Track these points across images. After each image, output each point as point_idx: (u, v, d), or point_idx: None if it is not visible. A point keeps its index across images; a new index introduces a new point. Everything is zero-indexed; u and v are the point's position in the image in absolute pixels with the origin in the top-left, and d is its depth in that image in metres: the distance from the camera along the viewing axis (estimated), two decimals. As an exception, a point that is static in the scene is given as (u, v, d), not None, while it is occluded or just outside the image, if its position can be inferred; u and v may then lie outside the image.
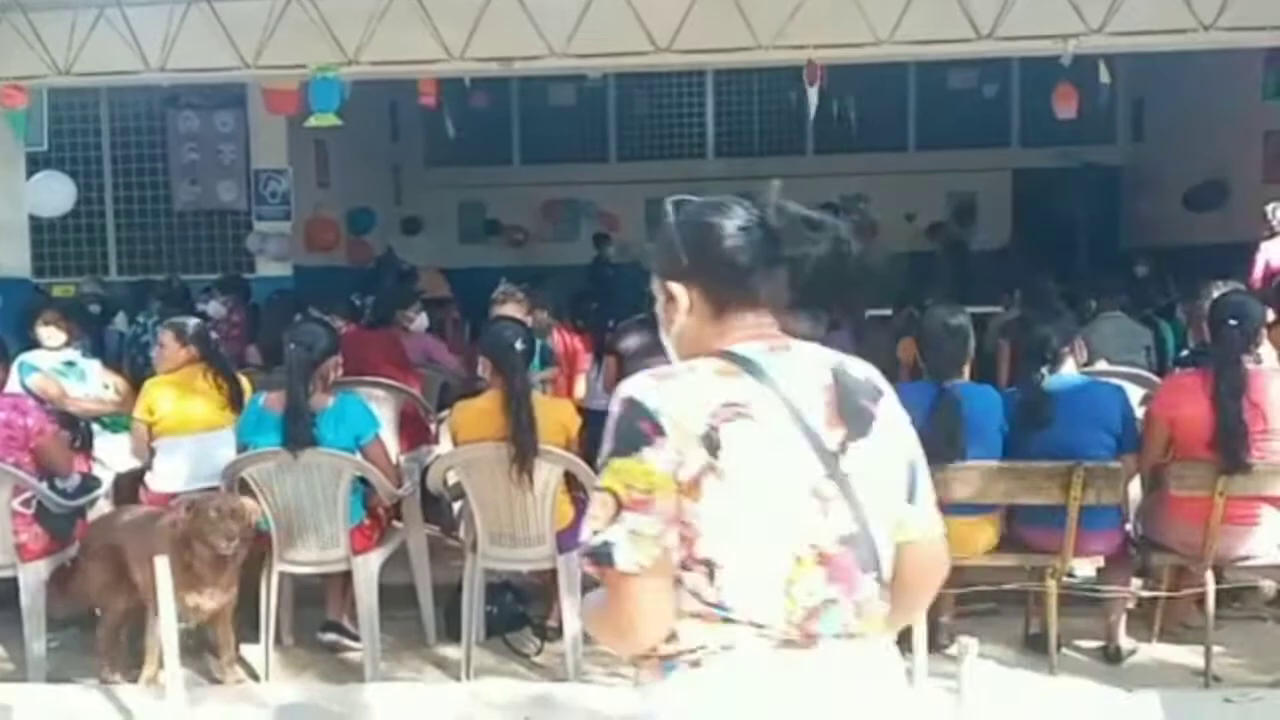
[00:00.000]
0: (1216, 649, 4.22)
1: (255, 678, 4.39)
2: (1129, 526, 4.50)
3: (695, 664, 1.71)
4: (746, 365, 1.72)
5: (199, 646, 4.43)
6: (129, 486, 4.95)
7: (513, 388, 4.20)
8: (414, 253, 11.65)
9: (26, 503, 4.36)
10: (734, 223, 1.76)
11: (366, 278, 10.10)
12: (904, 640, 4.09)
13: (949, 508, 4.29)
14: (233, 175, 10.15)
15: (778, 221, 1.75)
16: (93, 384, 5.76)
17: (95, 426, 5.46)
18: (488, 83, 9.07)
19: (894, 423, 1.80)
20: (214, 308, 7.88)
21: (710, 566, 1.68)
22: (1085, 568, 4.48)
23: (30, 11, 6.01)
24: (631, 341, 5.79)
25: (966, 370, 4.39)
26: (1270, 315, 4.59)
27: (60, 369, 5.64)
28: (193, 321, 5.10)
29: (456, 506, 4.63)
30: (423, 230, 12.65)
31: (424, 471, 4.61)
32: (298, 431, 4.23)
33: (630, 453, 1.68)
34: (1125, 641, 4.41)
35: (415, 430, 5.68)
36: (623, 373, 5.13)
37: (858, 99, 11.05)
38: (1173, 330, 7.03)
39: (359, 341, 6.17)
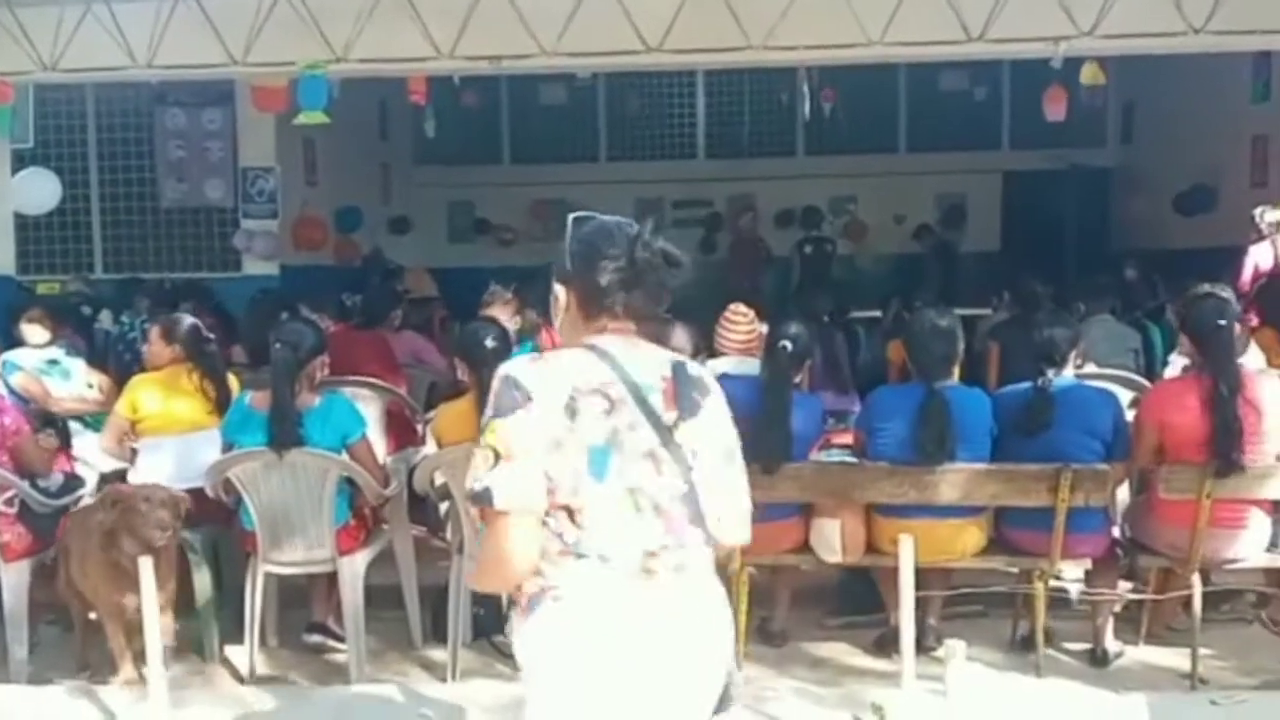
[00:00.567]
0: (1203, 651, 4.22)
1: (240, 679, 4.36)
2: (1116, 529, 4.50)
3: (556, 599, 2.13)
4: (604, 356, 2.18)
5: (183, 646, 4.40)
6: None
7: (485, 387, 4.18)
8: (402, 252, 11.61)
9: (9, 502, 4.33)
10: (610, 251, 2.19)
11: (354, 277, 10.06)
12: (891, 642, 4.11)
13: (937, 510, 4.34)
14: (220, 173, 10.09)
15: (642, 255, 2.18)
16: (76, 383, 5.73)
17: (78, 425, 5.43)
18: (477, 81, 9.05)
19: (717, 415, 2.26)
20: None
21: (569, 512, 2.11)
22: (1074, 570, 4.48)
23: (16, 7, 5.97)
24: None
25: (955, 372, 4.39)
26: (1254, 319, 4.61)
27: (43, 367, 5.60)
28: (185, 320, 5.04)
29: (443, 507, 4.60)
30: (411, 229, 12.61)
31: (410, 472, 4.59)
32: (283, 431, 4.20)
33: (506, 416, 2.11)
34: (1112, 644, 4.41)
35: (402, 431, 5.65)
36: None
37: (849, 101, 11.05)
38: (1161, 333, 7.03)
39: (346, 341, 6.15)
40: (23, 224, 9.91)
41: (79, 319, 7.63)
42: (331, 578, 4.42)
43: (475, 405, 4.17)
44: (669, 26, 5.79)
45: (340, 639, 4.47)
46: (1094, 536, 4.29)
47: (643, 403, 2.16)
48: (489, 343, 4.30)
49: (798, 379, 4.49)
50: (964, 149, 12.91)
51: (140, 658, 4.12)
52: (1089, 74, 6.58)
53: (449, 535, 4.50)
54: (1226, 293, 4.65)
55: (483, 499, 2.08)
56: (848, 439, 4.67)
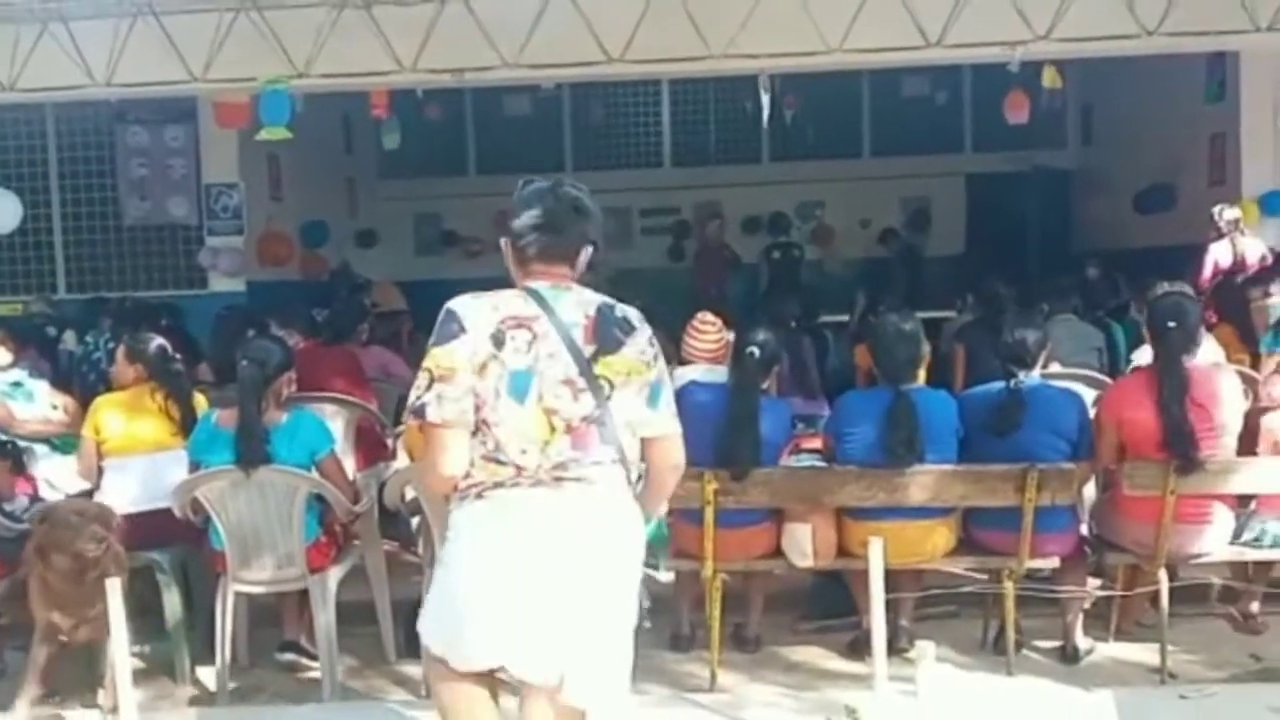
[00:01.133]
0: (1171, 646, 4.27)
1: (211, 699, 4.33)
2: (1084, 527, 4.54)
3: (479, 496, 2.56)
4: (534, 295, 2.59)
5: (154, 668, 4.36)
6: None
7: None
8: (370, 266, 11.55)
9: (-27, 527, 4.28)
10: (532, 204, 2.61)
11: (321, 292, 10.00)
12: (864, 645, 4.13)
13: (907, 511, 4.37)
14: (183, 190, 10.00)
15: (551, 205, 2.60)
16: (40, 404, 5.65)
17: (45, 448, 5.37)
18: (441, 94, 9.02)
19: (639, 350, 2.60)
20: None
21: (491, 425, 2.52)
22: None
23: (-29, 28, 5.91)
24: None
25: (921, 374, 4.42)
26: (1213, 316, 4.67)
27: (7, 390, 5.52)
28: (151, 340, 4.98)
29: (415, 522, 4.59)
30: (378, 243, 12.55)
31: (381, 487, 4.57)
32: (251, 449, 4.18)
33: (443, 344, 2.54)
34: (1082, 641, 4.46)
35: (372, 446, 5.63)
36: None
37: (813, 107, 11.11)
38: (1124, 332, 7.11)
39: (314, 357, 6.11)
40: (-17, 245, 9.79)
41: (43, 340, 7.53)
42: (303, 595, 4.39)
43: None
44: (630, 37, 5.81)
45: (313, 657, 4.44)
46: (1062, 535, 4.34)
47: (565, 337, 2.54)
48: None
49: (766, 385, 4.52)
50: (927, 153, 13.01)
51: (100, 682, 4.09)
52: (1049, 77, 6.67)
53: (421, 550, 4.48)
54: (1188, 293, 4.72)
55: (420, 414, 2.52)
56: (817, 444, 4.70)
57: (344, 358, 6.29)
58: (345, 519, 4.45)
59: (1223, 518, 4.31)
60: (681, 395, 4.62)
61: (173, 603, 4.45)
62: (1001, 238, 12.09)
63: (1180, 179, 9.88)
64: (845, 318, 8.45)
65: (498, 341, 2.52)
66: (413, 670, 4.44)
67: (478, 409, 2.51)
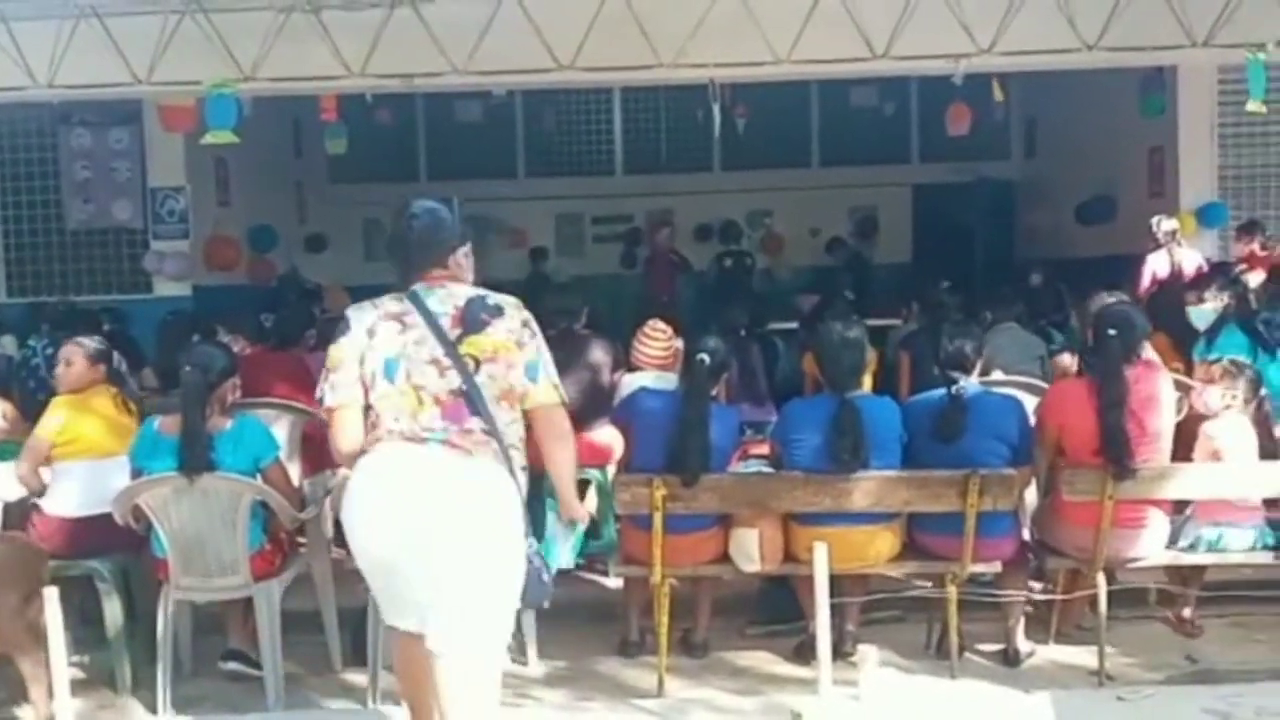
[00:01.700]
0: (1110, 649, 4.36)
1: (153, 710, 4.27)
2: (1025, 532, 4.62)
3: (364, 453, 3.11)
4: (410, 295, 3.15)
5: (95, 679, 4.29)
6: (19, 516, 4.77)
7: None
8: (319, 271, 11.44)
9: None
10: (392, 232, 3.23)
11: (269, 297, 9.89)
12: (811, 650, 4.17)
13: (852, 517, 4.42)
14: (128, 193, 9.85)
15: (398, 224, 3.23)
16: (-21, 411, 5.54)
17: (-18, 455, 5.26)
18: (392, 99, 8.96)
19: (508, 329, 3.11)
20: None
21: (374, 403, 3.10)
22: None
23: (-91, 27, 5.80)
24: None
25: (866, 381, 4.47)
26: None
27: (-56, 396, 5.42)
28: (102, 343, 4.92)
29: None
30: (327, 248, 12.45)
31: (327, 494, 4.54)
32: (194, 455, 4.14)
33: (335, 341, 3.16)
34: (1023, 644, 4.53)
35: (318, 452, 5.56)
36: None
37: (763, 117, 11.19)
38: (1067, 340, 7.23)
39: (261, 363, 6.05)
40: (-80, 249, 9.58)
41: (-21, 346, 7.40)
42: (247, 603, 4.35)
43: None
44: (580, 45, 5.83)
45: (257, 665, 4.39)
46: (1003, 540, 4.41)
47: (433, 325, 3.07)
48: None
49: (715, 391, 4.55)
50: (875, 163, 13.15)
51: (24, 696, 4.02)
52: (999, 92, 6.79)
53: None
54: (1128, 302, 4.82)
55: (321, 401, 3.15)
56: (765, 450, 4.74)
57: (291, 363, 6.24)
58: (290, 526, 4.41)
59: (1158, 522, 4.41)
60: (631, 401, 4.68)
61: (113, 611, 4.39)
62: (947, 247, 12.25)
63: (1120, 191, 10.08)
64: (794, 325, 8.52)
65: (371, 334, 3.10)
66: (359, 679, 4.41)
67: (366, 392, 3.09)
